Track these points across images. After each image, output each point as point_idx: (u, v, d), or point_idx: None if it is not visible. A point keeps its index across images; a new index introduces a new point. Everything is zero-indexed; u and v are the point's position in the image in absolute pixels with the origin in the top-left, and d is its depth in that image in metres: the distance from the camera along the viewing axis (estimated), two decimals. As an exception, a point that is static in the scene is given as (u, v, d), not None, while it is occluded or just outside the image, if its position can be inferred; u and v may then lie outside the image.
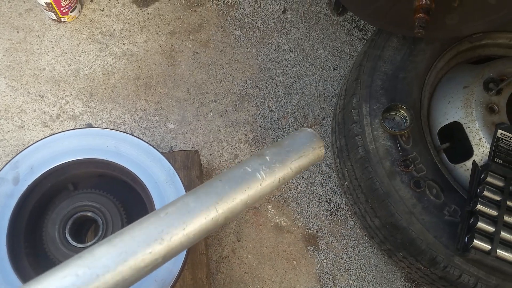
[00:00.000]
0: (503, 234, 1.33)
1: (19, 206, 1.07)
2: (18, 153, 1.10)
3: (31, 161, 1.11)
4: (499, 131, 1.47)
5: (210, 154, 1.93)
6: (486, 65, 1.62)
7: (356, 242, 1.85)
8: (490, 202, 1.37)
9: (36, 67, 1.94)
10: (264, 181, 0.66)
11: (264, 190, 0.67)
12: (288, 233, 1.84)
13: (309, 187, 1.92)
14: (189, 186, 1.55)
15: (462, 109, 1.56)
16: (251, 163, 0.67)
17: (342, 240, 1.85)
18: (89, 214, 1.09)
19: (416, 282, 1.81)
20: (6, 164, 1.08)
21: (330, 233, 1.85)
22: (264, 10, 2.18)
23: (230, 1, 2.17)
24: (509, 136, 1.47)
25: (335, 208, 1.89)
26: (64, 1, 1.90)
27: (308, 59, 2.11)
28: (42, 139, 1.13)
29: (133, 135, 1.20)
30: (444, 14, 1.44)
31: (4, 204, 1.05)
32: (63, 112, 1.89)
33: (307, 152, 0.73)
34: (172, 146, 1.91)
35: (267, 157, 0.69)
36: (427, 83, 1.61)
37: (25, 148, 1.11)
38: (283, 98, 2.04)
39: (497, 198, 1.38)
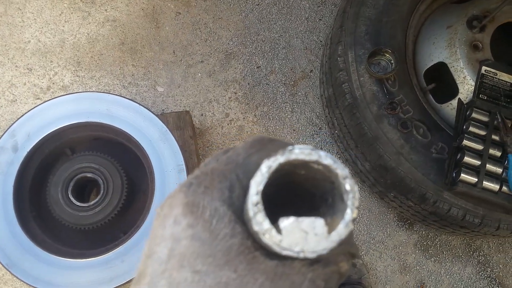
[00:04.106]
0: (489, 166, 1.38)
1: (21, 172, 1.10)
2: (14, 122, 1.13)
3: (27, 128, 1.13)
4: (483, 68, 1.50)
5: (202, 115, 1.95)
6: (469, 3, 1.62)
7: (350, 188, 1.90)
8: (476, 137, 1.42)
9: (21, 40, 1.93)
10: None
11: None
12: (284, 184, 1.89)
13: (300, 139, 1.96)
14: (183, 146, 1.59)
15: (446, 49, 1.58)
16: None
17: (337, 187, 1.90)
18: (89, 175, 1.13)
19: (408, 221, 1.88)
20: (4, 133, 1.11)
21: (324, 182, 1.91)
22: (244, -36, 2.15)
23: (210, -42, 2.13)
24: (493, 72, 1.50)
25: (328, 157, 1.94)
26: (41, -31, 1.87)
27: (292, 12, 2.10)
28: (35, 107, 1.15)
29: (123, 97, 1.22)
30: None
31: (7, 172, 1.08)
32: (53, 83, 1.90)
33: None
34: (163, 109, 1.93)
35: None
36: (411, 26, 1.62)
37: (20, 117, 1.13)
38: (270, 54, 2.05)
39: (482, 132, 1.43)
